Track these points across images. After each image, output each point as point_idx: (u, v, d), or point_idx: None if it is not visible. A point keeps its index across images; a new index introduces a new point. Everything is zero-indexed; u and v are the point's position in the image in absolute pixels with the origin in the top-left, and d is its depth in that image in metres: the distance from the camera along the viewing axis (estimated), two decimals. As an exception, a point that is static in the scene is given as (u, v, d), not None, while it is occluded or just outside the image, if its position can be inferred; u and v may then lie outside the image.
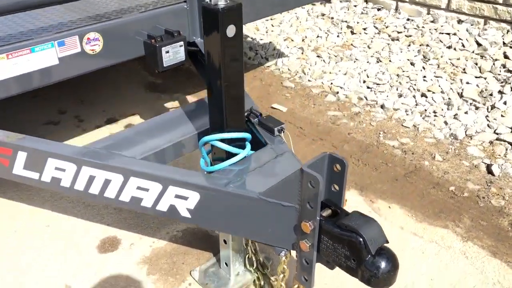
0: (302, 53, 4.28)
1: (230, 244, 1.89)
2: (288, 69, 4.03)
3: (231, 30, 1.42)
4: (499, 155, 2.73)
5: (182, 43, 2.48)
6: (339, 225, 1.35)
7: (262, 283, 1.93)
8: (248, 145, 1.69)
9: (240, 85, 1.57)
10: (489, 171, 2.61)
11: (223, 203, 1.54)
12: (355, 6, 5.10)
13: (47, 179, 1.79)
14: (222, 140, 1.65)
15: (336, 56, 4.13)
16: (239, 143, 1.68)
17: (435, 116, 3.17)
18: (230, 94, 1.54)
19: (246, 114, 1.85)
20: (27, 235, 2.27)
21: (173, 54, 2.47)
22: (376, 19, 4.76)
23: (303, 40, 4.55)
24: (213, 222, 1.64)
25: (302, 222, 1.39)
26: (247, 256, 1.95)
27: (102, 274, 2.04)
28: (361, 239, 1.30)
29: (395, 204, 2.41)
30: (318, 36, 4.59)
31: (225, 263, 1.98)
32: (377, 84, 3.62)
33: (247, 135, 1.68)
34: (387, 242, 1.34)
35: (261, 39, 4.63)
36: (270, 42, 4.52)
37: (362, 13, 4.94)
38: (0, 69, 2.04)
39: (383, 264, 1.31)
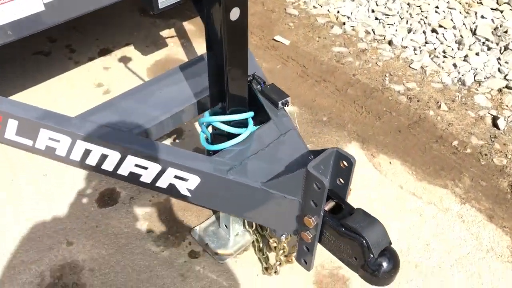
0: (308, -28, 3.95)
1: (230, 210, 1.89)
2: (292, -9, 3.76)
3: (234, 13, 1.28)
4: (507, 106, 2.65)
5: (178, -19, 2.28)
6: (343, 224, 1.33)
7: (261, 245, 1.96)
8: (251, 122, 1.61)
9: (244, 69, 1.45)
10: (495, 124, 2.56)
11: (224, 189, 1.50)
12: None
13: (42, 147, 1.73)
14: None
15: (344, -23, 3.82)
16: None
17: (444, 57, 3.02)
18: (234, 77, 1.43)
19: (248, 79, 1.74)
20: (24, 185, 2.26)
21: (169, -6, 2.28)
22: None
23: (309, -45, 4.18)
24: (214, 204, 1.62)
25: (305, 217, 1.37)
26: (246, 217, 1.96)
27: (102, 230, 2.07)
28: (364, 242, 1.29)
29: (396, 160, 2.38)
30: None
31: (225, 225, 2.00)
32: (386, 15, 3.40)
33: (249, 114, 1.59)
34: (391, 243, 1.33)
35: (264, -47, 4.26)
36: (273, -43, 4.16)
37: None
38: (-19, 20, 1.88)
39: (384, 265, 1.31)
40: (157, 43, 3.22)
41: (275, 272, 1.87)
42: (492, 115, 2.61)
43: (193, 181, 1.52)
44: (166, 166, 1.52)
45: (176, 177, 1.54)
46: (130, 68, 2.98)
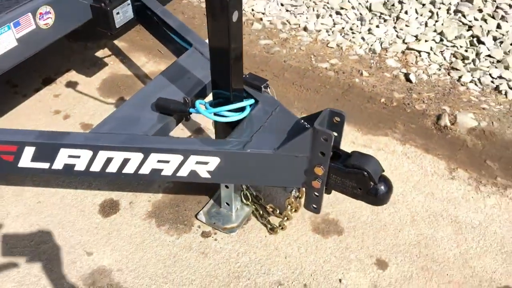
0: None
1: (232, 187, 2.19)
2: (205, -2, 4.07)
3: (235, 16, 1.59)
4: (412, 63, 3.25)
5: (129, 1, 2.52)
6: (346, 165, 1.72)
7: (261, 212, 2.28)
8: (248, 109, 1.92)
9: (241, 60, 1.76)
10: (407, 79, 3.13)
11: (242, 163, 1.81)
12: None
13: (59, 167, 1.90)
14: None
15: (247, -21, 4.23)
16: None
17: (352, 33, 3.56)
18: (235, 69, 1.74)
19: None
20: (24, 215, 2.34)
21: (122, 13, 2.51)
22: None
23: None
24: (232, 178, 1.92)
25: (315, 167, 1.73)
26: (242, 193, 2.27)
27: (115, 235, 2.25)
28: (366, 173, 1.68)
29: (342, 122, 2.83)
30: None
31: (227, 203, 2.29)
32: (294, 6, 3.87)
33: (251, 101, 1.91)
34: (383, 171, 1.74)
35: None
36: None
37: None
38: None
39: (384, 188, 1.72)
40: (97, 63, 3.37)
41: (282, 228, 2.21)
42: (403, 72, 3.18)
43: (213, 162, 1.81)
44: (187, 155, 1.79)
45: (197, 162, 1.81)
46: (80, 91, 3.11)
